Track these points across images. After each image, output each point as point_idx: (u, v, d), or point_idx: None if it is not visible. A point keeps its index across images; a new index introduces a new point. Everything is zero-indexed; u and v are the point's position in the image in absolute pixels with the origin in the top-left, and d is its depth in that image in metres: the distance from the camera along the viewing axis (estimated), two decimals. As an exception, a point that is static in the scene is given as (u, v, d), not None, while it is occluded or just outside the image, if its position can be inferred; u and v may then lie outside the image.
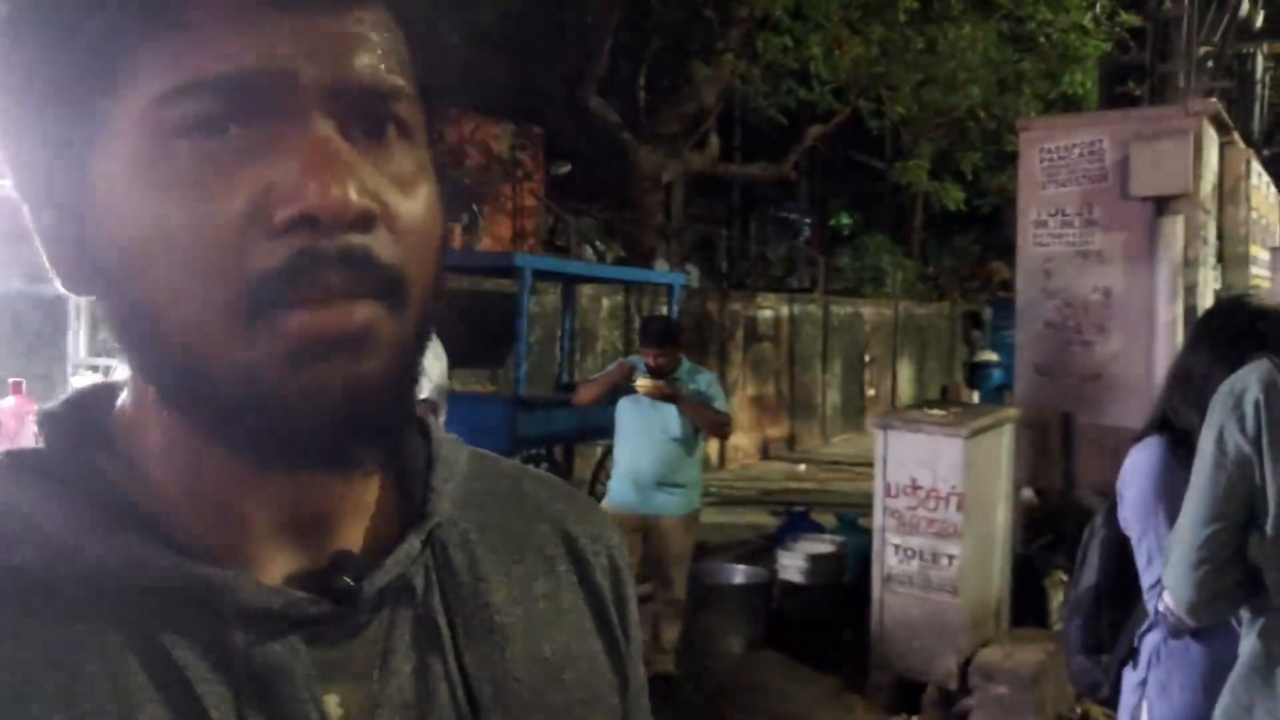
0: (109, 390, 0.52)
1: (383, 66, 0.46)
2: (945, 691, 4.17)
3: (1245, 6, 9.38)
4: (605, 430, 4.90)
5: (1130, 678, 2.21)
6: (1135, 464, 2.16)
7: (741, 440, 11.18)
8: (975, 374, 12.11)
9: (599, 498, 4.80)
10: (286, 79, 0.43)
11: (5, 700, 0.42)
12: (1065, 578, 4.36)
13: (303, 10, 0.43)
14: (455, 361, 4.00)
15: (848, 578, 5.27)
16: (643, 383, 4.11)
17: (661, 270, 10.16)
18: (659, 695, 4.35)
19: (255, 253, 0.42)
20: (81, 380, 3.33)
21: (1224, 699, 1.81)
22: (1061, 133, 4.80)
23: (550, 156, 12.73)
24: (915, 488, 4.21)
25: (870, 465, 4.42)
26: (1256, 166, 5.33)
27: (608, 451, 5.80)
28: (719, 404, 4.27)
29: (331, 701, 0.48)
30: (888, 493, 4.29)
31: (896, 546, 4.27)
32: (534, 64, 10.65)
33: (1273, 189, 5.89)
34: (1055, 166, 4.74)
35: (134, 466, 0.49)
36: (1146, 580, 2.11)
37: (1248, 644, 1.80)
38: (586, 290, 8.63)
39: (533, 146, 12.42)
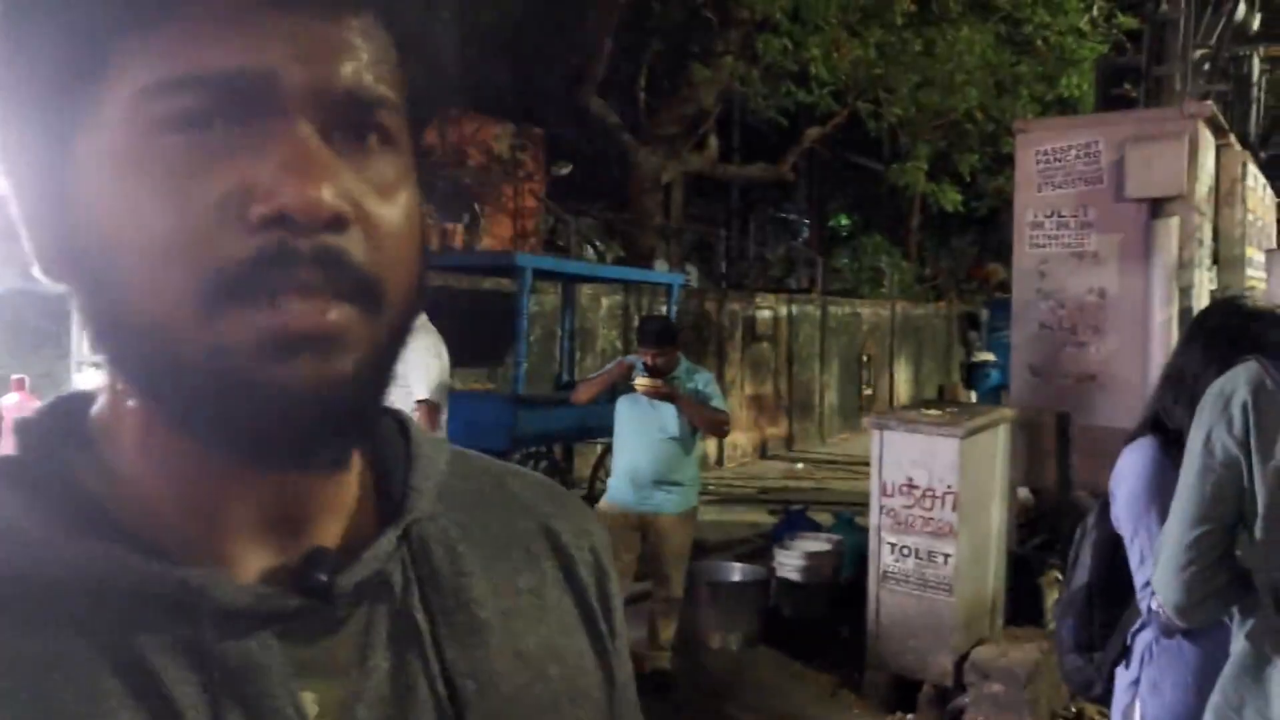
0: (87, 397, 0.52)
1: (369, 75, 0.46)
2: (941, 689, 4.20)
3: (1241, 9, 9.40)
4: (604, 429, 4.93)
5: (1123, 677, 2.22)
6: (1127, 464, 2.17)
7: (740, 439, 11.21)
8: (972, 374, 12.11)
9: (598, 496, 4.83)
10: (272, 80, 0.43)
11: None
12: (1060, 577, 4.38)
13: (293, 13, 0.44)
14: (455, 360, 4.03)
15: (844, 576, 5.30)
16: (641, 382, 4.13)
17: (661, 270, 10.19)
18: (656, 692, 4.36)
19: (228, 244, 0.43)
20: (85, 377, 3.35)
21: (1214, 698, 1.81)
22: (1057, 134, 4.82)
23: (550, 157, 12.75)
24: (911, 487, 4.24)
25: (867, 464, 4.44)
26: (1252, 169, 5.35)
27: (607, 450, 5.82)
28: (717, 403, 4.29)
29: (309, 698, 0.48)
30: (884, 492, 4.32)
31: (892, 545, 4.30)
32: (535, 65, 10.68)
33: (1269, 191, 5.91)
34: (1051, 168, 4.76)
35: (108, 470, 0.49)
36: (1139, 579, 2.11)
37: (1238, 644, 1.79)
38: (586, 290, 8.66)
39: (533, 147, 12.44)
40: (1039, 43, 10.90)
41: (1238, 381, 1.75)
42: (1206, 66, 9.01)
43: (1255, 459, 1.70)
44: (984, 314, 13.76)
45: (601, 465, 6.67)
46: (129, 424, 0.49)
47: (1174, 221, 4.46)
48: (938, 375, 16.28)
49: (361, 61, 0.46)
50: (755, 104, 11.13)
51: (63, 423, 0.51)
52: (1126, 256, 4.60)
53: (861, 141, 15.27)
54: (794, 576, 5.23)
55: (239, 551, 0.49)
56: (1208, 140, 4.70)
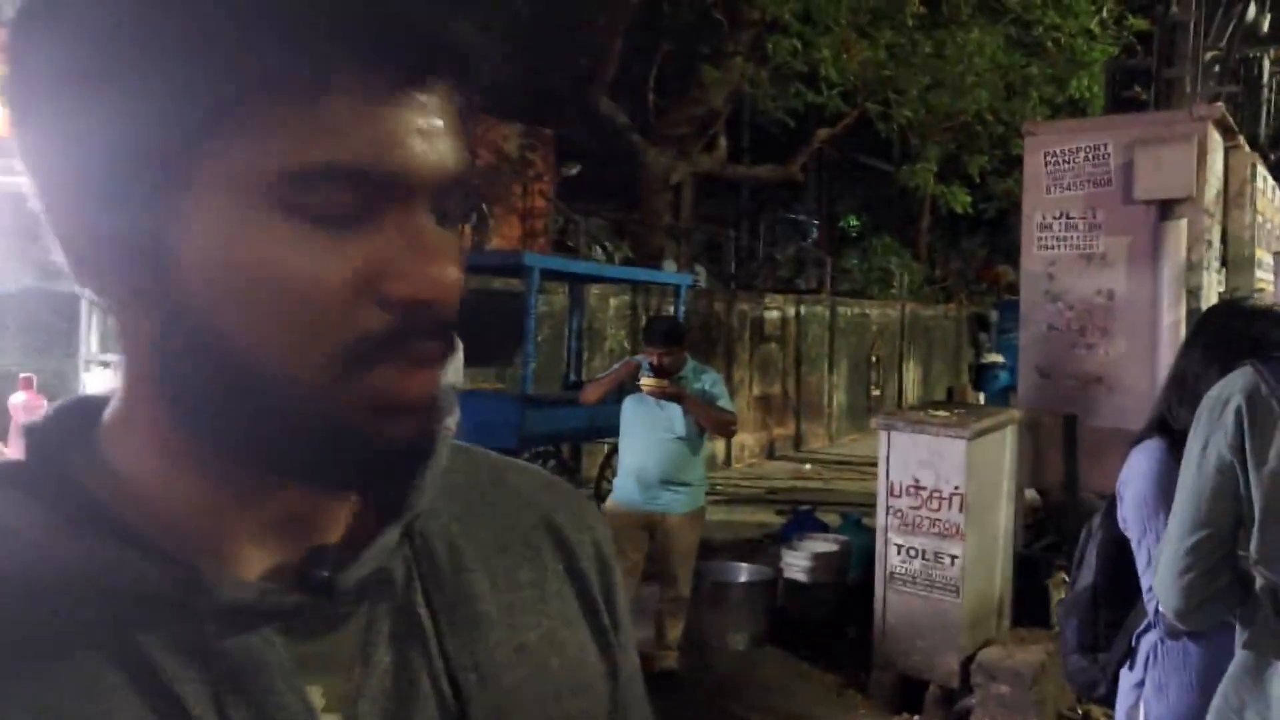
0: (95, 402, 0.53)
1: (463, 153, 0.49)
2: (947, 690, 4.20)
3: (1252, 11, 9.36)
4: (612, 429, 4.94)
5: (1127, 678, 2.22)
6: (1134, 466, 2.17)
7: (748, 440, 11.21)
8: (981, 376, 12.09)
9: (605, 495, 4.84)
10: (402, 172, 0.46)
11: None
12: (1067, 578, 4.38)
13: (414, 105, 0.46)
14: (464, 359, 4.04)
15: (851, 576, 5.30)
16: (647, 382, 4.13)
17: (669, 271, 10.20)
18: (663, 691, 4.36)
19: (361, 316, 0.46)
20: (94, 375, 3.37)
21: (1216, 701, 1.81)
22: (1066, 137, 4.82)
23: (560, 157, 12.77)
24: (918, 488, 4.24)
25: (875, 465, 4.45)
26: (1262, 171, 5.33)
27: (614, 449, 5.83)
28: (724, 403, 4.29)
29: (315, 693, 0.49)
30: (891, 492, 4.32)
31: (899, 546, 4.31)
32: (545, 65, 10.69)
33: (1278, 193, 5.89)
34: (1060, 170, 4.76)
35: (115, 473, 0.50)
36: (1145, 582, 2.11)
37: (1240, 647, 1.80)
38: (594, 290, 8.67)
39: (543, 147, 12.45)
40: (1049, 45, 10.87)
41: (1233, 387, 1.76)
42: (1217, 68, 8.97)
43: (1250, 464, 1.72)
44: (993, 315, 13.74)
45: (609, 465, 6.68)
46: (149, 434, 0.50)
47: (1182, 223, 4.45)
48: (947, 376, 16.24)
49: (458, 140, 0.49)
50: (765, 105, 11.13)
51: (71, 426, 0.52)
52: (1135, 258, 4.59)
53: (871, 142, 15.25)
54: (801, 577, 5.23)
55: (242, 550, 0.50)
56: (1217, 142, 4.69)
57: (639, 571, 4.32)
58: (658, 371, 4.18)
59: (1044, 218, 4.82)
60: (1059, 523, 4.94)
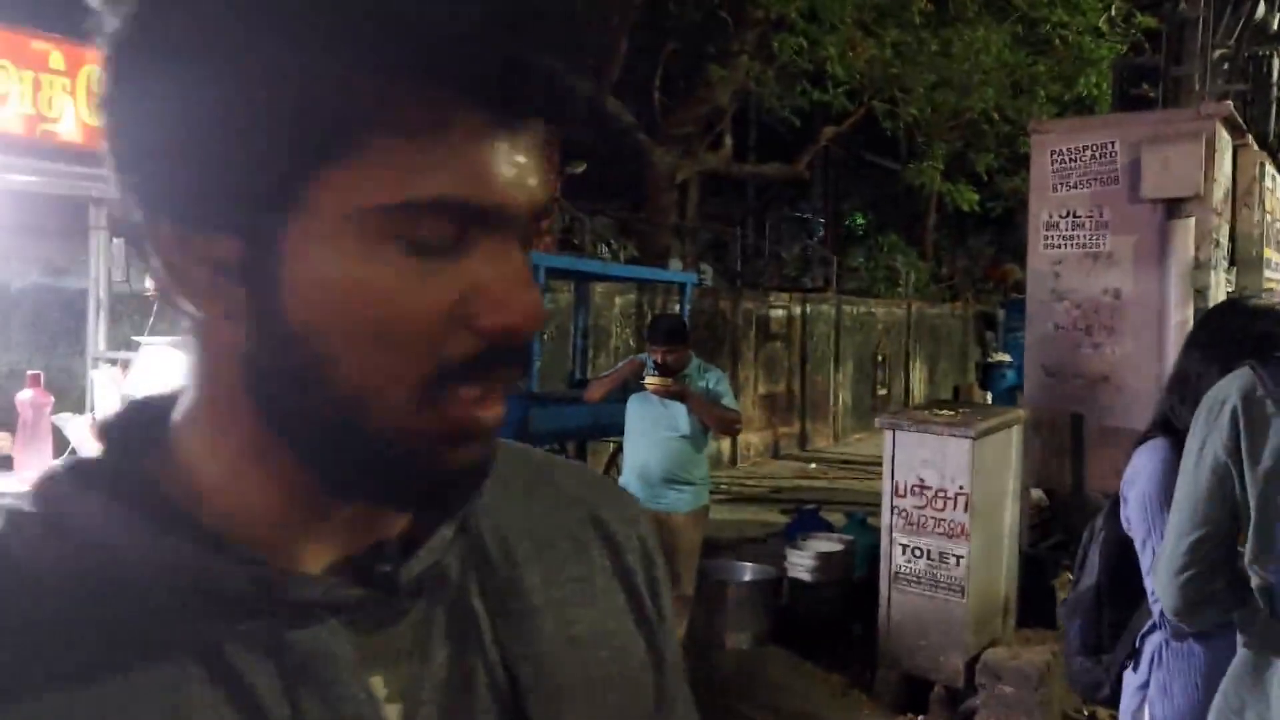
0: (163, 403, 0.55)
1: (549, 188, 0.52)
2: (952, 690, 4.19)
3: (1261, 9, 9.32)
4: (617, 427, 4.93)
5: (1131, 680, 2.21)
6: (1139, 466, 2.17)
7: (753, 438, 11.20)
8: (988, 375, 12.10)
9: (609, 494, 4.82)
10: (501, 204, 0.48)
11: (63, 698, 0.45)
12: (1072, 578, 4.37)
13: (521, 142, 0.49)
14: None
15: (856, 576, 5.29)
16: (651, 380, 4.13)
17: (675, 269, 10.19)
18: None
19: (453, 344, 0.48)
20: (101, 373, 3.38)
21: (1216, 701, 1.82)
22: (1073, 135, 4.80)
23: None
24: (923, 488, 4.24)
25: (881, 464, 4.44)
26: (1270, 169, 5.31)
27: (619, 448, 5.83)
28: (728, 401, 4.29)
29: (377, 683, 0.51)
30: (896, 492, 4.31)
31: (904, 546, 4.30)
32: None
33: (1287, 192, 5.86)
34: (1066, 169, 4.74)
35: (185, 472, 0.52)
36: (1149, 583, 2.12)
37: (1240, 647, 1.81)
38: (600, 288, 8.67)
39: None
40: (1056, 42, 10.84)
41: (1230, 388, 1.77)
42: (1225, 66, 8.93)
43: (1246, 464, 1.73)
44: (1000, 314, 13.74)
45: (614, 463, 6.67)
46: (225, 439, 0.51)
47: (1190, 222, 4.44)
48: (953, 375, 16.22)
49: (545, 173, 0.51)
50: (770, 103, 11.12)
51: (142, 426, 0.54)
52: (1142, 257, 4.58)
53: (877, 140, 15.23)
54: (805, 576, 5.23)
55: (307, 547, 0.53)
56: (1225, 140, 4.67)
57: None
58: (662, 370, 4.17)
59: (1050, 216, 4.81)
60: (1065, 522, 4.93)
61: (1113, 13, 10.59)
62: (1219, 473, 1.76)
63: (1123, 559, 2.22)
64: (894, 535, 4.32)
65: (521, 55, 0.46)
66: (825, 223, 20.18)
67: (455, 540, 0.56)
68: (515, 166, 0.49)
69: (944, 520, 4.18)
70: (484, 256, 0.49)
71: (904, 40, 10.06)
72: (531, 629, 0.57)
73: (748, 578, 5.24)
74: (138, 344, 3.24)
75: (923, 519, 4.24)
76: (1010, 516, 4.55)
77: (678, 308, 7.79)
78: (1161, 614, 2.04)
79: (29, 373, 2.91)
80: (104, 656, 0.46)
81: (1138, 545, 2.16)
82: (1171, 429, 2.11)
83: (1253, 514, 1.73)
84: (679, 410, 4.18)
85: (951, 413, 4.48)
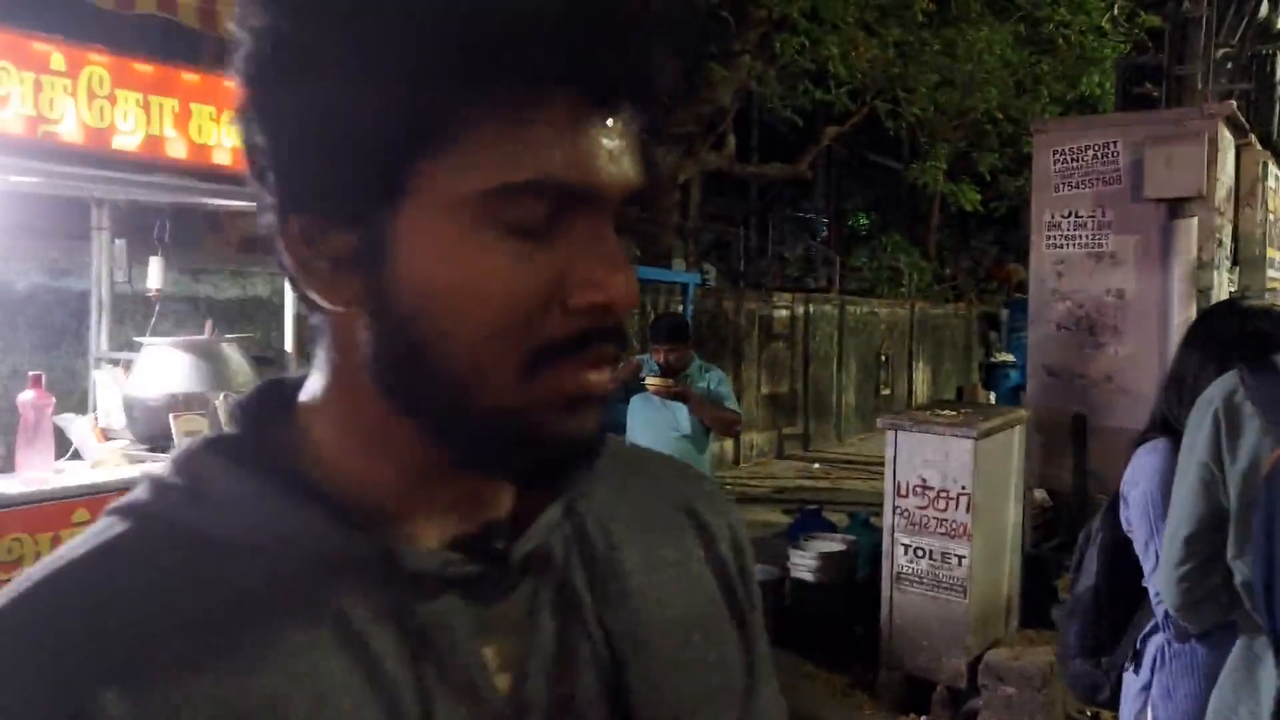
0: (289, 384, 0.59)
1: (643, 173, 0.53)
2: (954, 691, 4.19)
3: (1265, 8, 9.30)
4: (618, 427, 4.93)
5: (1133, 682, 2.20)
6: (1141, 466, 2.16)
7: (756, 438, 11.20)
8: (992, 375, 12.06)
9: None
10: (595, 189, 0.50)
11: (212, 646, 0.49)
12: (1075, 579, 4.36)
13: (612, 127, 0.51)
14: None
15: (859, 576, 5.28)
16: (652, 381, 4.13)
17: (678, 269, 10.19)
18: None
19: (551, 323, 0.50)
20: (103, 373, 3.38)
21: (1213, 700, 1.85)
22: (1075, 135, 4.79)
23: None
24: (925, 488, 4.23)
25: (884, 464, 4.44)
26: (1273, 168, 5.30)
27: (621, 449, 5.83)
28: (729, 403, 4.28)
29: (489, 654, 0.54)
30: (898, 492, 4.31)
31: (906, 546, 4.29)
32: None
33: (1290, 191, 5.84)
34: (1069, 168, 4.74)
35: (315, 447, 0.56)
36: (1152, 585, 2.12)
37: (1236, 646, 1.83)
38: (602, 289, 8.66)
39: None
40: (1059, 42, 10.82)
41: (1215, 393, 1.84)
42: (1229, 66, 8.91)
43: (1226, 464, 1.79)
44: (1003, 314, 13.70)
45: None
46: (350, 419, 0.55)
47: (1193, 222, 4.43)
48: (957, 376, 16.18)
49: (639, 157, 0.53)
50: (773, 103, 11.11)
51: (273, 406, 0.58)
52: (1145, 257, 4.57)
53: (880, 140, 15.21)
54: (808, 576, 5.22)
55: (426, 522, 0.56)
56: (1228, 140, 4.66)
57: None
58: (664, 370, 4.17)
59: (1053, 216, 4.80)
60: (1068, 523, 4.92)
61: (1116, 12, 10.57)
62: (1204, 472, 1.83)
63: (1121, 560, 2.22)
64: (896, 535, 4.32)
65: (618, 41, 0.49)
66: (828, 223, 20.16)
67: (561, 523, 0.59)
68: (606, 149, 0.51)
69: (946, 520, 4.17)
70: (578, 239, 0.51)
71: (906, 40, 10.04)
72: (631, 610, 0.60)
73: (750, 578, 5.22)
74: (140, 344, 3.24)
75: (925, 519, 4.23)
76: (1013, 517, 4.55)
77: (680, 308, 7.78)
78: (1165, 616, 2.04)
79: (30, 374, 2.91)
80: (240, 617, 0.50)
81: (1140, 547, 2.15)
82: (1171, 429, 2.11)
83: (1233, 512, 1.78)
84: (680, 411, 4.18)
85: (953, 413, 4.47)
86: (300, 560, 0.51)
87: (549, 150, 0.49)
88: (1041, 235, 4.84)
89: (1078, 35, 10.65)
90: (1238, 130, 4.81)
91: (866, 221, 21.23)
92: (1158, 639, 2.14)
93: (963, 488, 4.14)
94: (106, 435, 3.15)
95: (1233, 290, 4.75)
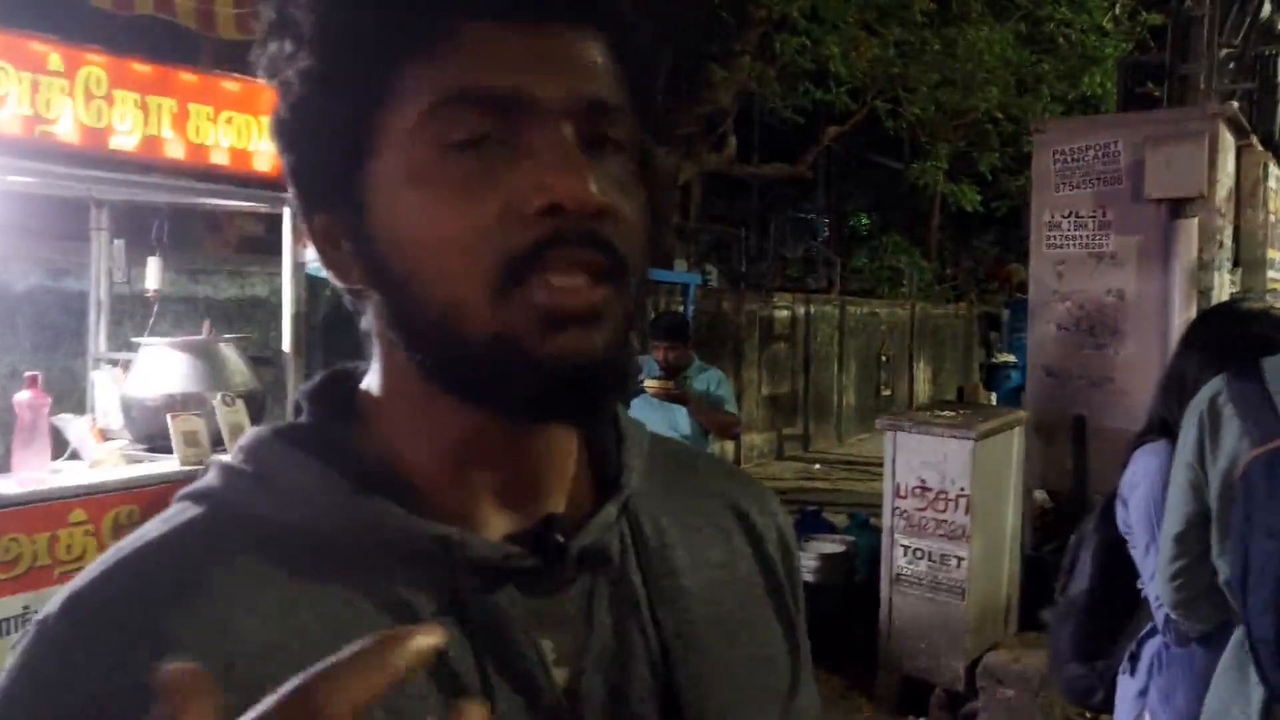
0: (351, 374, 0.61)
1: (606, 88, 0.53)
2: (952, 694, 4.18)
3: (1267, 8, 9.28)
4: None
5: (1129, 686, 2.19)
6: (1141, 468, 2.15)
7: (756, 439, 11.18)
8: (993, 376, 12.03)
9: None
10: (538, 97, 0.51)
11: (282, 632, 0.50)
12: (1075, 580, 4.35)
13: (546, 38, 0.52)
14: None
15: (858, 578, 5.28)
16: (651, 383, 4.12)
17: (679, 270, 10.18)
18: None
19: (511, 237, 0.50)
20: (101, 374, 3.38)
21: (1208, 701, 1.86)
22: (1076, 135, 4.78)
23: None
24: (924, 489, 4.22)
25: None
26: (1274, 169, 5.29)
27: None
28: (729, 405, 4.28)
29: (547, 646, 0.55)
30: (897, 494, 4.30)
31: (905, 547, 4.28)
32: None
33: (1292, 192, 5.83)
34: (1069, 168, 4.72)
35: (377, 437, 0.57)
36: (1150, 588, 2.11)
37: (1229, 646, 1.84)
38: (602, 289, 8.65)
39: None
40: (1061, 41, 10.81)
41: (1203, 397, 1.88)
42: (1232, 65, 8.89)
43: (1209, 464, 1.84)
44: (1004, 315, 13.67)
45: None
46: (406, 398, 0.56)
47: (1194, 222, 4.42)
48: (958, 376, 16.16)
49: (600, 77, 0.53)
50: (773, 103, 11.10)
51: (337, 395, 0.60)
52: (1145, 258, 4.56)
53: (881, 140, 15.19)
54: (808, 577, 5.21)
55: (487, 515, 0.57)
56: (1229, 141, 4.65)
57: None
58: (665, 369, 4.17)
59: (1053, 216, 4.78)
60: (1069, 524, 4.91)
61: (1117, 10, 10.55)
62: (1190, 473, 1.88)
63: (1116, 563, 2.22)
64: (895, 537, 4.31)
65: None
66: (829, 223, 20.14)
67: (618, 520, 0.60)
68: (540, 57, 0.51)
69: (945, 522, 4.16)
70: (531, 149, 0.51)
71: (907, 39, 10.03)
72: (682, 608, 0.61)
73: (749, 579, 5.22)
74: (138, 345, 3.24)
75: (924, 520, 4.22)
76: (1012, 519, 4.54)
77: (681, 308, 7.78)
78: (1165, 619, 2.03)
79: (26, 374, 2.90)
80: (307, 604, 0.51)
81: (1139, 549, 2.14)
82: (1170, 430, 2.10)
83: (1214, 512, 1.83)
84: (679, 412, 4.18)
85: (953, 414, 4.46)
86: (364, 549, 0.52)
87: (475, 62, 0.50)
88: (1041, 235, 4.83)
89: (1079, 34, 10.64)
90: (1239, 131, 4.80)
91: (867, 222, 21.20)
92: (1155, 642, 2.13)
93: (961, 489, 4.13)
94: (105, 435, 3.15)
95: (1233, 291, 4.74)
